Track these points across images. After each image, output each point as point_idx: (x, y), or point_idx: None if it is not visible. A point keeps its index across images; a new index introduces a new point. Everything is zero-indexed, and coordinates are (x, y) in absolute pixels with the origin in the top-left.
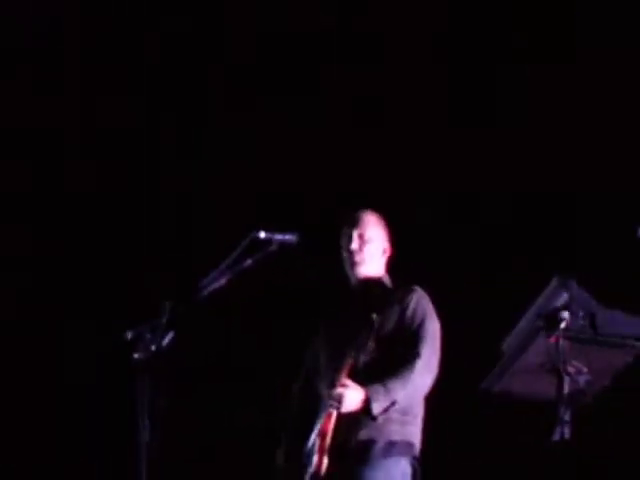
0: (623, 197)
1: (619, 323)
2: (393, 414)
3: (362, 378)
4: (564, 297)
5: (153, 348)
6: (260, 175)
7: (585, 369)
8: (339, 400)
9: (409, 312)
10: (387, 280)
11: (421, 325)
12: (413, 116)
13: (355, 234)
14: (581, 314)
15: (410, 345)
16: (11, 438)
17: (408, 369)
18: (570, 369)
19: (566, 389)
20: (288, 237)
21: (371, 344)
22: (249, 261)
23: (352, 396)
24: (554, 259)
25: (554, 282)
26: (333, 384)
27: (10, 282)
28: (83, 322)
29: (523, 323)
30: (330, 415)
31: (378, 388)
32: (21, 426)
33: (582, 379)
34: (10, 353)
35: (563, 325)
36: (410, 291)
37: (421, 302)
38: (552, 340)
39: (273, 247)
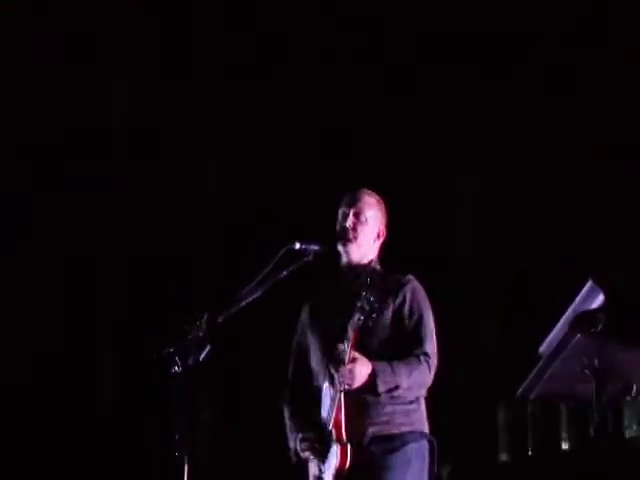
0: None
1: None
2: (397, 406)
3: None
4: (600, 298)
5: (191, 362)
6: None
7: (624, 369)
8: (351, 377)
9: (406, 307)
10: (377, 265)
11: (420, 321)
12: None
13: (351, 212)
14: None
15: (414, 342)
16: (52, 449)
17: (417, 362)
18: (609, 369)
19: (605, 390)
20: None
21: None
22: (284, 272)
23: (361, 370)
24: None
25: (589, 283)
26: (340, 361)
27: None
28: (124, 336)
29: (559, 326)
30: (340, 402)
31: (385, 367)
32: (60, 439)
33: (621, 379)
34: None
35: (600, 326)
36: (405, 282)
37: (417, 296)
38: (589, 341)
39: (309, 258)
